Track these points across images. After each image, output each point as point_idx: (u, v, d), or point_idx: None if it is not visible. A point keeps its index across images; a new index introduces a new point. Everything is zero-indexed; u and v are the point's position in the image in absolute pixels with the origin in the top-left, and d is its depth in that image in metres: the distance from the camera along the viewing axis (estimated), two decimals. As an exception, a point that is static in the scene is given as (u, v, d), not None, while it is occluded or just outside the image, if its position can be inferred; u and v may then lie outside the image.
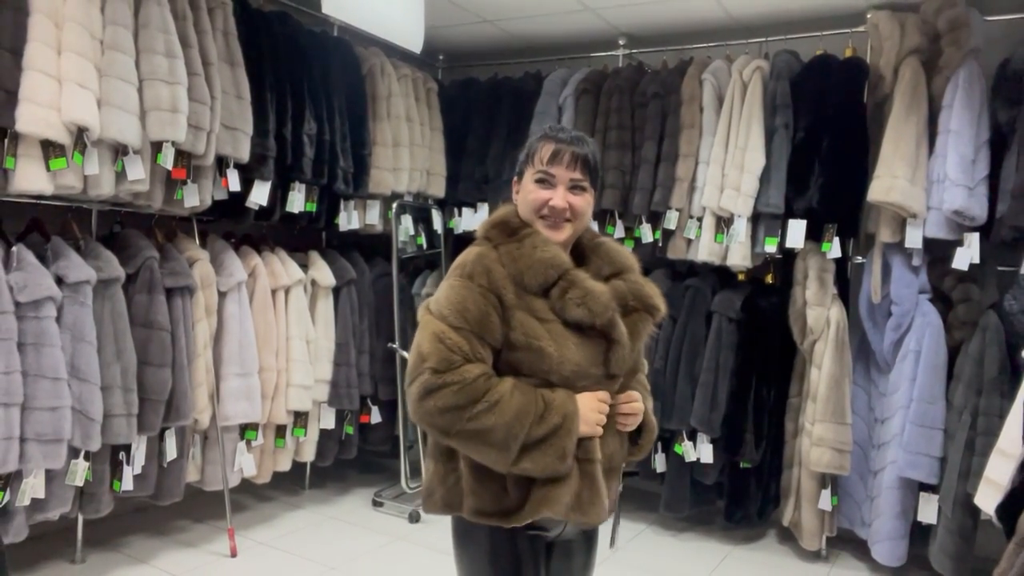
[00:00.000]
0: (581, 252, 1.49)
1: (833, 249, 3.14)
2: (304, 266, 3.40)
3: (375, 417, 3.73)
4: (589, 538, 1.54)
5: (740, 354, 3.31)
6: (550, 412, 1.30)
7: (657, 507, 3.48)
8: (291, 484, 3.75)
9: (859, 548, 3.25)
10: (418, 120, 3.83)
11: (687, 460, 3.36)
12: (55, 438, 2.32)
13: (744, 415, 3.26)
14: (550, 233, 1.40)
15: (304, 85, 3.17)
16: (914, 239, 2.99)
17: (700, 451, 3.33)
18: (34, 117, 2.24)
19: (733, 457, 3.30)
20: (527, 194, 1.42)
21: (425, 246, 3.97)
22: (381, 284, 3.77)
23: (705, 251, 3.33)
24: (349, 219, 3.50)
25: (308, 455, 3.45)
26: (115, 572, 2.77)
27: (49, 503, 2.42)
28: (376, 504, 3.60)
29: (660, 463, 3.46)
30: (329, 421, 3.46)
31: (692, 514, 3.52)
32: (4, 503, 2.29)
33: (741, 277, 3.47)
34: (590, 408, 1.34)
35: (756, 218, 3.27)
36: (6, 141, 2.27)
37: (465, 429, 1.27)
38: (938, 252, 3.07)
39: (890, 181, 2.96)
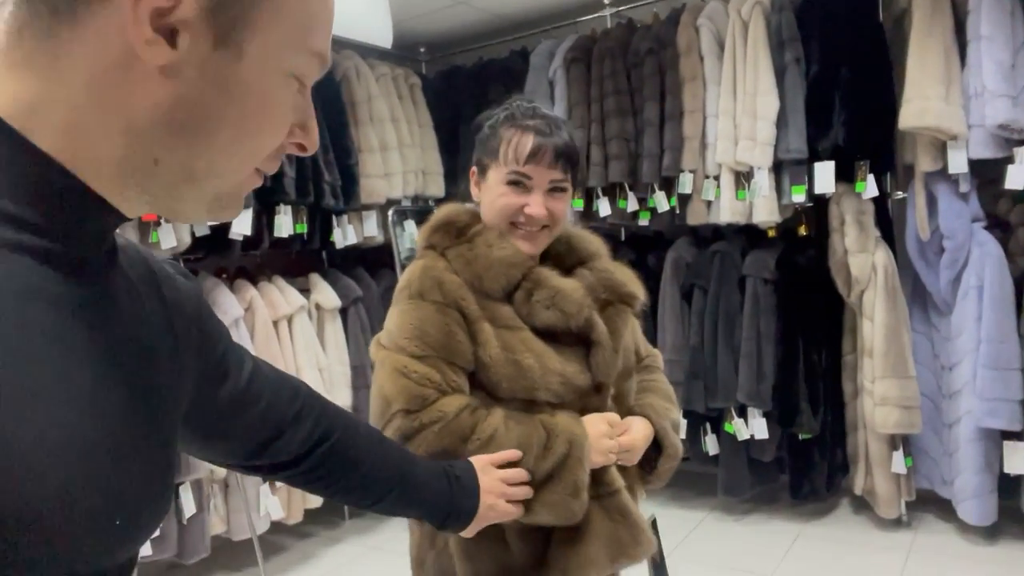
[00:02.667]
0: None
1: (868, 188, 2.84)
2: (306, 291, 3.23)
3: (405, 436, 3.55)
4: None
5: (782, 317, 3.04)
6: (554, 440, 1.09)
7: (715, 491, 3.23)
8: (330, 516, 3.60)
9: (944, 508, 2.96)
10: (404, 119, 3.62)
11: (740, 439, 3.10)
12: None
13: (795, 382, 2.99)
14: (524, 245, 1.17)
15: (274, 101, 2.98)
16: (958, 163, 2.68)
17: (753, 427, 3.07)
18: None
19: (790, 429, 3.04)
20: (495, 197, 1.18)
21: (432, 250, 3.77)
22: (391, 298, 3.57)
23: (727, 211, 3.06)
24: (345, 235, 3.31)
25: (340, 486, 3.28)
26: (152, 639, 2.65)
27: (64, 582, 2.29)
28: (419, 527, 3.43)
29: (711, 445, 3.21)
30: (356, 448, 3.29)
31: (754, 495, 3.27)
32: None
33: (771, 234, 3.18)
34: (600, 433, 1.13)
35: (778, 167, 2.98)
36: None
37: None
38: (987, 174, 2.76)
39: (922, 103, 2.66)
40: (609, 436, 1.14)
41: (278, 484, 2.98)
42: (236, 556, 3.16)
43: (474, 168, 1.24)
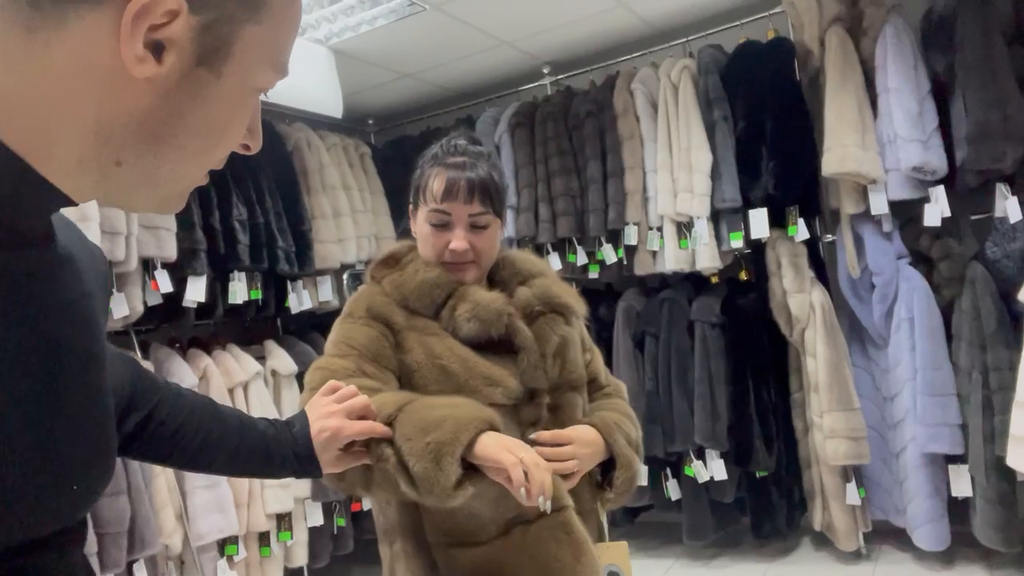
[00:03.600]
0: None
1: (800, 232, 3.02)
2: (262, 358, 3.21)
3: (367, 503, 3.49)
4: None
5: (731, 359, 3.15)
6: (424, 403, 1.05)
7: (680, 538, 3.25)
8: (290, 593, 3.47)
9: (900, 538, 3.03)
10: (356, 187, 3.71)
11: (700, 481, 3.15)
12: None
13: (749, 421, 3.07)
14: (454, 276, 1.24)
15: (227, 171, 3.03)
16: (879, 205, 2.88)
17: (712, 468, 3.12)
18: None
19: (746, 467, 3.10)
20: (424, 237, 1.25)
21: (388, 313, 3.80)
22: (348, 361, 3.57)
23: (672, 260, 3.20)
24: (300, 300, 3.33)
25: (300, 559, 3.19)
26: None
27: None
28: (383, 596, 3.34)
29: (673, 490, 3.24)
30: (316, 517, 3.22)
31: (719, 538, 3.29)
32: None
33: (714, 280, 3.32)
34: (519, 444, 1.02)
35: (716, 216, 3.15)
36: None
37: None
38: (907, 213, 2.97)
39: (841, 151, 2.86)
40: (526, 449, 1.01)
41: (236, 559, 2.88)
42: (192, 639, 3.01)
43: (411, 206, 1.32)
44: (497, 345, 1.20)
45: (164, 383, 0.93)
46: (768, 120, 3.06)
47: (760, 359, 3.15)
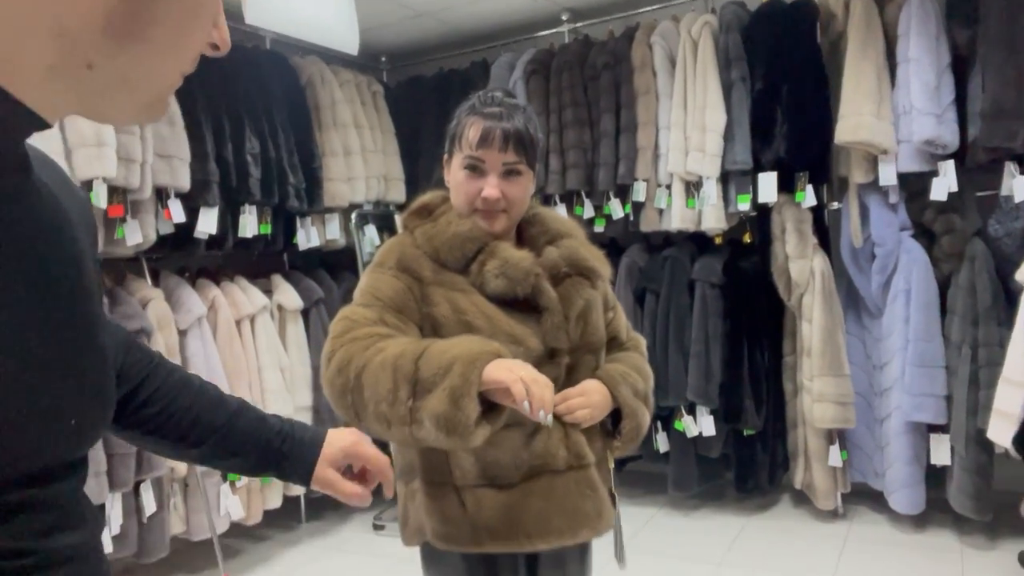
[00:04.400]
0: (518, 225, 1.36)
1: (807, 198, 3.04)
2: (268, 292, 3.26)
3: (364, 437, 3.59)
4: (583, 545, 1.37)
5: (728, 319, 3.21)
6: (437, 347, 1.09)
7: (665, 489, 3.37)
8: (287, 520, 3.60)
9: (876, 500, 3.16)
10: (367, 125, 3.69)
11: (689, 436, 3.25)
12: (17, 508, 2.16)
13: (740, 381, 3.15)
14: (484, 224, 1.27)
15: (240, 103, 3.02)
16: (888, 176, 2.90)
17: (701, 424, 3.22)
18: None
19: (735, 425, 3.20)
20: (457, 184, 1.28)
21: (392, 254, 3.83)
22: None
23: (678, 219, 3.23)
24: (308, 237, 3.36)
25: (298, 487, 3.30)
26: (108, 639, 2.61)
27: (22, 578, 2.26)
28: (377, 528, 3.47)
29: (662, 443, 3.34)
30: (316, 448, 3.31)
31: (702, 490, 3.41)
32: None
33: (718, 241, 3.36)
34: (519, 364, 1.07)
35: (725, 177, 3.17)
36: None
37: (358, 386, 1.09)
38: (914, 186, 2.99)
39: (856, 119, 2.87)
40: (529, 369, 1.06)
41: (238, 484, 2.99)
42: (195, 558, 3.14)
43: (445, 155, 1.33)
44: (522, 304, 1.24)
45: (159, 359, 0.87)
46: (786, 83, 3.04)
47: (757, 321, 3.22)
